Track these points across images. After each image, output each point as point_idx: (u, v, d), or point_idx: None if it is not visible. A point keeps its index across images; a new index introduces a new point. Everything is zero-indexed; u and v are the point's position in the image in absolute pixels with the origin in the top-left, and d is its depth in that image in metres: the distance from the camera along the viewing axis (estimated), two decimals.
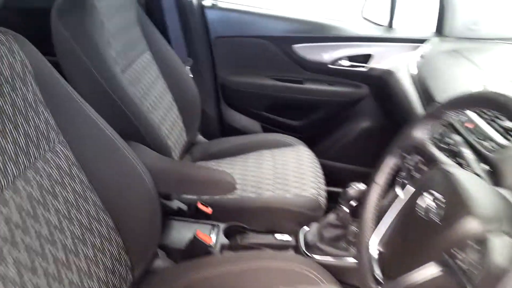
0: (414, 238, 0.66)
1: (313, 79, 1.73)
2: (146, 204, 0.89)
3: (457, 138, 0.85)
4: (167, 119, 1.39)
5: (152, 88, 1.35)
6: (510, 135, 0.88)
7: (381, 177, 0.83)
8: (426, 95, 1.31)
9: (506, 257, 0.52)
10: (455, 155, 0.82)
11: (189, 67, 1.61)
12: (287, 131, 1.80)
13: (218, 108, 1.82)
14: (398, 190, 0.80)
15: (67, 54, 1.07)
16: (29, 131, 0.69)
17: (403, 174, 0.77)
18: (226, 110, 1.84)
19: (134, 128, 1.14)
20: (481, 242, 0.54)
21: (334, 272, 1.11)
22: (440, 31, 1.61)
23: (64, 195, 0.73)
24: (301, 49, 1.69)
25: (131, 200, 0.85)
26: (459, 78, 1.22)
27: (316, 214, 1.29)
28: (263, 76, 1.75)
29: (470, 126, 0.99)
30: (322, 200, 1.33)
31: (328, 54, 1.68)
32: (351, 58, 1.68)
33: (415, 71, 1.51)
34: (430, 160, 0.73)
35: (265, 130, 1.86)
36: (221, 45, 1.72)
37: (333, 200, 1.80)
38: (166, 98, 1.43)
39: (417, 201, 0.68)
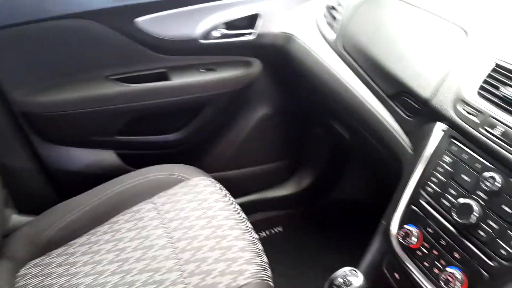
0: None
1: (182, 67, 1.10)
2: None
3: None
4: None
5: None
6: None
7: None
8: (380, 76, 0.85)
9: None
10: None
11: None
12: (160, 150, 1.18)
13: (32, 151, 1.04)
14: None
15: None
16: None
17: None
18: (49, 150, 1.07)
19: None
20: None
21: None
22: None
23: None
24: (150, 23, 1.01)
25: None
26: (413, 34, 0.78)
27: None
28: (99, 80, 1.03)
29: None
30: (269, 275, 0.83)
31: (195, 23, 1.06)
32: (230, 25, 1.10)
33: (331, 34, 1.02)
34: None
35: (127, 160, 1.18)
36: (4, 45, 0.91)
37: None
38: None
39: None
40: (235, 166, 1.35)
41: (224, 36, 1.09)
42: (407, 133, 0.78)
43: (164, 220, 0.91)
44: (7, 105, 0.95)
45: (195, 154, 1.25)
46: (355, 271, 0.65)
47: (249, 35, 1.11)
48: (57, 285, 0.80)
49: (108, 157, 1.15)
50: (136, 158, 1.16)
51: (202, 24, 1.06)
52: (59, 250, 0.88)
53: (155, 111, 1.11)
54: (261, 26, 1.11)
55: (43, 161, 1.06)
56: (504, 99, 0.62)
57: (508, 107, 0.61)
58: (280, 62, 1.16)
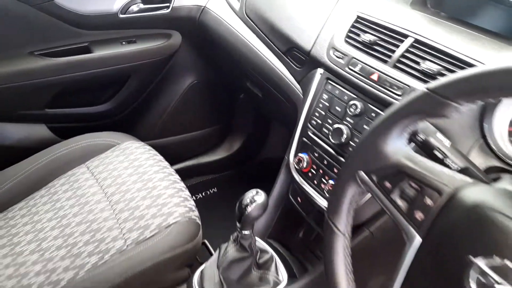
0: None
1: (103, 41, 1.17)
2: None
3: (421, 124, 0.58)
4: None
5: None
6: None
7: (343, 221, 0.51)
8: (275, 37, 0.99)
9: None
10: (427, 147, 0.55)
11: None
12: (92, 122, 1.25)
13: None
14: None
15: None
16: None
17: (396, 219, 0.46)
18: None
19: None
20: None
21: None
22: None
23: None
24: (69, 0, 1.07)
25: None
26: (317, 7, 0.93)
27: (197, 241, 0.92)
28: (24, 55, 1.08)
29: (374, 76, 0.74)
30: (197, 215, 0.95)
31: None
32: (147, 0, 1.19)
33: (236, 3, 1.15)
34: (432, 186, 0.44)
35: (59, 133, 1.24)
36: None
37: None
38: None
39: (461, 273, 0.39)
40: (168, 133, 1.44)
41: (141, 10, 1.18)
42: (298, 82, 0.93)
43: (98, 180, 0.99)
44: None
45: (128, 124, 1.34)
46: (260, 192, 0.79)
47: (165, 9, 1.20)
48: None
49: (40, 130, 1.20)
50: (69, 131, 1.22)
51: None
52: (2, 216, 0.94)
53: (82, 83, 1.17)
54: (176, 0, 1.20)
55: None
56: (363, 43, 0.78)
57: (365, 49, 0.77)
58: (198, 33, 1.26)
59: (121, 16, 1.15)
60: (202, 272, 0.86)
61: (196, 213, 0.95)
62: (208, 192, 1.57)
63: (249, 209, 0.76)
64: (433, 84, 0.43)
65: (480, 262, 0.38)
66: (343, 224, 0.50)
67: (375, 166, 0.47)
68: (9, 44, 1.06)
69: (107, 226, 0.88)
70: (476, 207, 0.40)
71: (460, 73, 0.40)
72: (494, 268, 0.38)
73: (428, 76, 0.67)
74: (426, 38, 0.71)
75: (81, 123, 1.26)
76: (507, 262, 0.37)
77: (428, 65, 0.68)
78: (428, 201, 0.44)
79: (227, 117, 1.58)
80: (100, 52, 1.16)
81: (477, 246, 0.39)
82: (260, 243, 0.88)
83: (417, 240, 0.44)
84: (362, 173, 0.48)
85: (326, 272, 0.51)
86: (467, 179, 0.44)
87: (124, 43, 1.19)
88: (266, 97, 1.16)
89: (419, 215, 0.44)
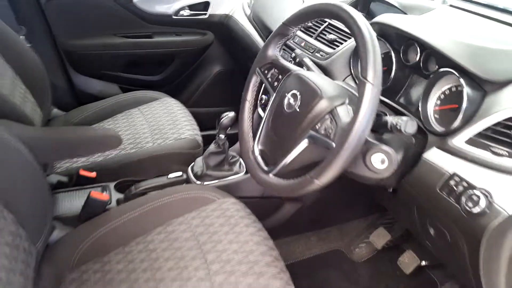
0: (285, 130, 0.84)
1: (161, 32, 1.78)
2: (29, 179, 0.85)
3: (298, 52, 1.06)
4: (15, 95, 1.28)
5: None
6: (333, 45, 1.13)
7: (249, 94, 0.99)
8: (264, 30, 1.52)
9: (347, 115, 0.73)
10: (300, 65, 1.03)
11: (23, 36, 1.47)
12: (148, 87, 1.83)
13: (68, 76, 1.72)
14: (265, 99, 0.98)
15: None
16: None
17: (267, 86, 0.94)
18: (77, 78, 1.74)
19: None
20: (333, 113, 0.75)
21: (224, 190, 1.27)
22: None
23: None
24: (143, 3, 1.70)
25: (14, 178, 0.80)
26: (287, 9, 1.45)
27: (197, 151, 1.42)
28: (110, 35, 1.72)
29: (302, 44, 1.24)
30: (199, 138, 1.45)
31: (169, 5, 1.74)
32: (191, 7, 1.78)
33: (248, 11, 1.70)
34: (284, 71, 0.92)
35: (125, 91, 1.84)
36: (54, 8, 1.59)
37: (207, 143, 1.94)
38: (7, 74, 1.30)
39: (282, 102, 0.86)
40: (197, 106, 1.98)
41: (188, 14, 1.77)
42: None
43: (143, 114, 1.54)
44: (55, 45, 1.63)
45: (169, 92, 1.91)
46: (232, 112, 1.26)
47: (204, 15, 1.79)
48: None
49: (114, 89, 1.82)
50: (128, 91, 1.82)
51: (174, 5, 1.74)
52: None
53: (144, 58, 1.78)
54: (211, 9, 1.79)
55: (74, 84, 1.73)
56: (304, 26, 1.27)
57: (304, 30, 1.26)
58: (225, 33, 1.83)
59: (174, 17, 1.76)
60: (195, 162, 1.35)
61: (200, 138, 1.46)
62: None
63: (223, 119, 1.25)
64: (285, 19, 0.91)
65: (288, 94, 0.85)
66: (249, 95, 0.98)
67: (262, 63, 0.96)
68: (100, 27, 1.70)
69: (146, 140, 1.40)
70: (298, 74, 0.87)
71: (294, 13, 0.89)
72: (292, 96, 0.84)
73: (329, 42, 1.15)
74: (335, 22, 1.19)
75: (141, 87, 1.85)
76: (295, 92, 0.83)
77: (330, 36, 1.15)
78: (281, 76, 0.91)
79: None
80: (158, 39, 1.76)
81: (290, 88, 0.86)
82: (233, 153, 1.36)
83: (273, 95, 0.92)
84: (257, 68, 0.97)
85: (239, 126, 0.99)
86: (303, 69, 0.91)
87: (174, 35, 1.79)
88: None
89: (276, 84, 0.92)
